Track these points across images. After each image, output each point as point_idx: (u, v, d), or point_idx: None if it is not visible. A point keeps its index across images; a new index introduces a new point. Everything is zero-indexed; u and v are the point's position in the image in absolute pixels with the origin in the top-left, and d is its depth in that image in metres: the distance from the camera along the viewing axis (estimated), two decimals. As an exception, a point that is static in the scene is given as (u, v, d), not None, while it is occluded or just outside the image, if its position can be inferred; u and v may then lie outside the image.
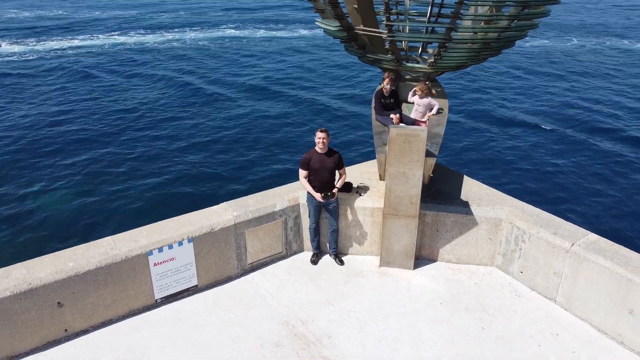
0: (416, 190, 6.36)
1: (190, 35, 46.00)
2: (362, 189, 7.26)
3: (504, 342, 5.83)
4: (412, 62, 9.24)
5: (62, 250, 5.89)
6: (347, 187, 7.22)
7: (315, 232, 7.04)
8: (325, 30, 9.35)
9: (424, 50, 10.04)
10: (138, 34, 45.74)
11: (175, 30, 48.60)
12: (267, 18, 57.05)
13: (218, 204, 6.96)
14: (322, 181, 6.63)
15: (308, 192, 6.77)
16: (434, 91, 8.34)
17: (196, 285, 6.55)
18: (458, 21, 7.79)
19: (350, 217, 7.12)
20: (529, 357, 5.63)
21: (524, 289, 6.68)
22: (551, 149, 24.20)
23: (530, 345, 5.80)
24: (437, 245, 7.11)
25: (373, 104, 7.90)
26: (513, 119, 27.59)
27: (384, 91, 7.69)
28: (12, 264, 5.65)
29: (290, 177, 9.26)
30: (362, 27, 8.60)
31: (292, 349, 5.71)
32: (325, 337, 5.88)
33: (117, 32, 46.08)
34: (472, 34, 8.17)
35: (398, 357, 5.60)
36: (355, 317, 6.20)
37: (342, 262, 7.08)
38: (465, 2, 7.39)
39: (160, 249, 6.09)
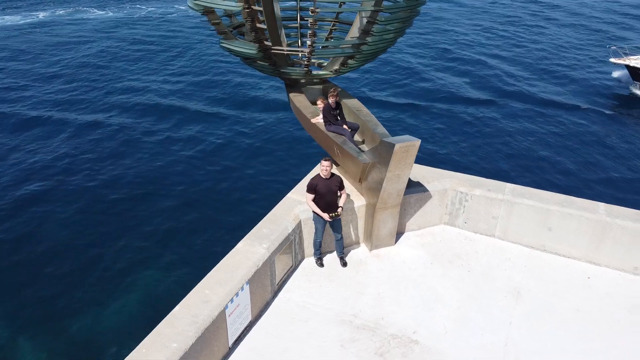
0: (403, 185, 7.99)
1: None
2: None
3: (487, 276, 8.12)
4: (317, 70, 10.48)
5: (150, 336, 5.83)
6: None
7: (320, 244, 8.12)
8: (235, 52, 9.84)
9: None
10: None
11: None
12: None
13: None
14: (327, 203, 7.67)
15: (315, 212, 7.75)
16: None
17: (251, 321, 7.10)
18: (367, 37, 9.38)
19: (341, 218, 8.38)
20: (504, 278, 8.04)
21: (470, 234, 9.08)
22: (458, 123, 28.72)
23: (500, 271, 8.23)
24: (404, 221, 8.95)
25: (322, 118, 9.02)
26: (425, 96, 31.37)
27: (331, 105, 8.87)
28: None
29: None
30: (281, 47, 9.49)
31: (365, 339, 6.97)
32: (380, 320, 7.28)
33: None
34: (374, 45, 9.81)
35: (441, 309, 7.39)
36: (386, 295, 7.71)
37: (345, 264, 8.31)
38: (377, 21, 9.00)
39: (232, 300, 6.48)
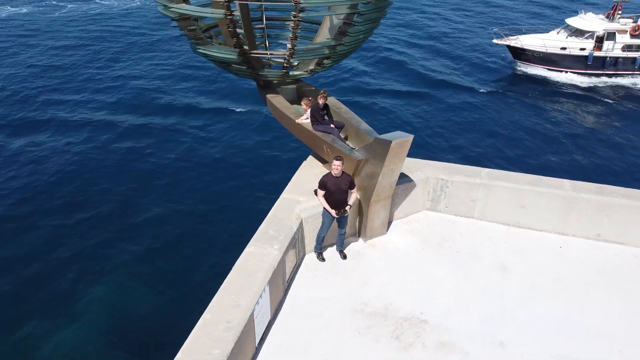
0: (396, 177, 8.52)
1: None
2: (333, 189, 8.92)
3: (474, 255, 8.87)
4: (292, 70, 10.72)
5: (189, 344, 5.98)
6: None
7: (324, 238, 8.50)
8: (212, 57, 9.92)
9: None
10: None
11: None
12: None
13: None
14: (336, 200, 8.03)
15: (324, 208, 8.11)
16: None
17: (270, 319, 7.39)
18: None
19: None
20: (490, 255, 8.82)
21: (452, 217, 9.80)
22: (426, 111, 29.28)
23: (484, 249, 9.01)
24: (392, 210, 9.50)
25: (310, 118, 9.32)
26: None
27: (320, 105, 9.19)
28: None
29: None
30: (259, 51, 9.68)
31: (379, 324, 7.48)
32: (389, 305, 7.81)
33: None
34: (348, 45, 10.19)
35: (441, 289, 8.03)
36: (390, 283, 8.24)
37: (345, 257, 8.75)
38: (354, 23, 9.42)
39: (257, 302, 6.74)
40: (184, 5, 9.20)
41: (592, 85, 35.17)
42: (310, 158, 10.10)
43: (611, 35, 35.07)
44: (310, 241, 8.70)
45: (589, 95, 34.01)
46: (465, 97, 32.57)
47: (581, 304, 7.89)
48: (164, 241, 18.90)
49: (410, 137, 7.92)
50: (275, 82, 10.85)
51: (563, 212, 9.22)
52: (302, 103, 9.60)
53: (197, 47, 9.83)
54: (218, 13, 8.84)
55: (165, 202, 21.00)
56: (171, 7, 9.15)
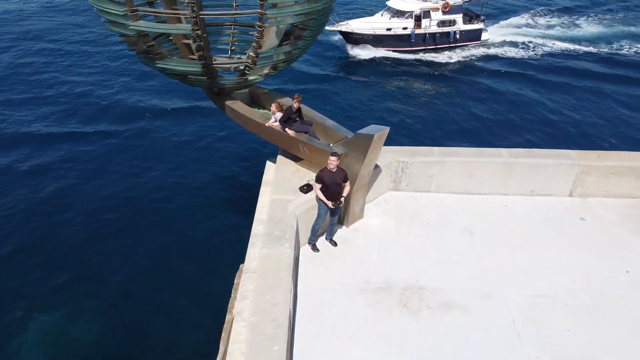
0: (373, 166, 9.47)
1: None
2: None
3: (441, 224, 10.18)
4: (249, 76, 11.10)
5: (248, 344, 6.46)
6: (306, 189, 9.49)
7: (319, 229, 9.22)
8: (174, 71, 10.03)
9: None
10: None
11: None
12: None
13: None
14: (332, 192, 8.76)
15: (321, 200, 8.80)
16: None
17: (291, 310, 8.03)
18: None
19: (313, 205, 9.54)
20: (454, 222, 10.20)
21: (412, 193, 11.02)
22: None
23: (448, 217, 10.37)
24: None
25: (282, 120, 9.84)
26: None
27: (294, 109, 9.76)
28: None
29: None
30: (220, 61, 9.99)
31: (386, 298, 8.47)
32: (388, 279, 8.82)
33: None
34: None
35: (426, 258, 9.22)
36: (382, 260, 9.25)
37: (335, 244, 9.56)
38: (309, 28, 10.10)
39: (290, 299, 7.35)
40: (144, 23, 9.17)
41: (417, 59, 38.35)
42: (280, 157, 10.68)
43: (427, 14, 38.50)
44: (304, 236, 9.39)
45: (416, 69, 37.03)
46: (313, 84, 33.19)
47: (535, 249, 9.57)
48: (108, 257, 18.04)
49: (387, 129, 8.89)
50: (229, 88, 11.16)
51: (504, 176, 10.88)
52: (272, 107, 10.09)
53: (157, 62, 9.83)
54: (184, 28, 8.99)
55: (90, 222, 19.90)
56: (131, 25, 9.08)
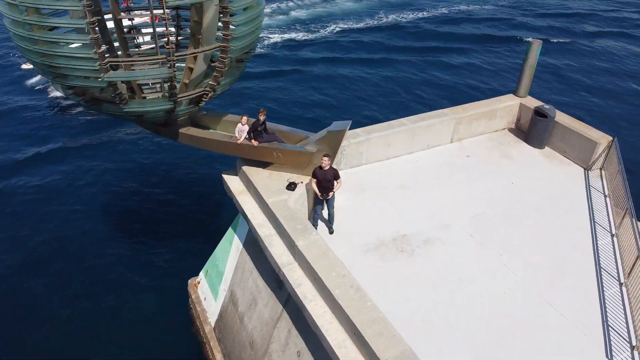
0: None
1: None
2: (297, 182, 11.34)
3: (384, 187, 12.92)
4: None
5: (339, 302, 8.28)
6: (293, 187, 11.19)
7: (317, 218, 11.05)
8: (147, 113, 10.52)
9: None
10: None
11: None
12: None
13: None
14: (322, 187, 10.63)
15: (314, 191, 10.63)
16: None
17: (335, 283, 9.91)
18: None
19: (305, 198, 11.36)
20: (391, 184, 13.05)
21: (350, 169, 13.46)
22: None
23: (385, 181, 13.16)
24: (322, 181, 12.55)
25: (250, 130, 11.11)
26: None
27: (260, 121, 11.11)
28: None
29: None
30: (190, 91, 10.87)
31: (385, 250, 10.92)
32: (379, 238, 11.25)
33: None
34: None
35: (394, 214, 11.88)
36: (364, 226, 11.58)
37: (333, 232, 11.46)
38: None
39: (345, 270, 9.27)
40: (118, 73, 9.48)
41: None
42: (246, 168, 11.91)
43: None
44: (303, 225, 11.13)
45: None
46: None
47: (452, 185, 13.06)
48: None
49: (349, 122, 11.12)
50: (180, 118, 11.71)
51: (409, 139, 14.11)
52: (242, 120, 11.24)
53: (124, 107, 10.11)
54: (164, 73, 9.63)
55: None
56: (103, 78, 9.30)
